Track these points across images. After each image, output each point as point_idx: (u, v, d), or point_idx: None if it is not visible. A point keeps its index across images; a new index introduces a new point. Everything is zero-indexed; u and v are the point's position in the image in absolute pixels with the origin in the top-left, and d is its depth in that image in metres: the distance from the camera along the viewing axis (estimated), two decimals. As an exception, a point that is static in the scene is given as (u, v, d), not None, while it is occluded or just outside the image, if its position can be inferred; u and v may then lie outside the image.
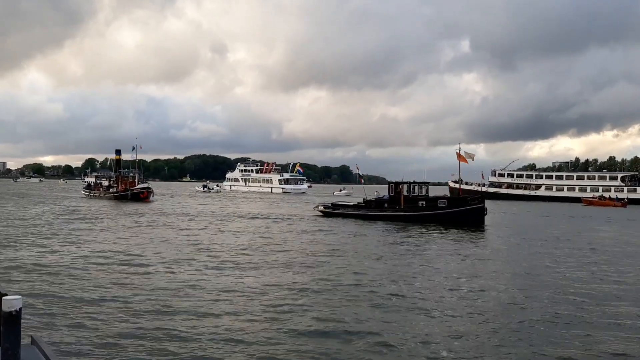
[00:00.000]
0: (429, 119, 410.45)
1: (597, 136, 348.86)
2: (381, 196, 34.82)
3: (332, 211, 36.08)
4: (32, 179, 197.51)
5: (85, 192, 66.15)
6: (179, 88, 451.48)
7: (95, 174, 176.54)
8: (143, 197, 56.26)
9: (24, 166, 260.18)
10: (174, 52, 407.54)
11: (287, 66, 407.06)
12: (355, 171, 37.53)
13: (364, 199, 35.61)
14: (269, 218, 34.88)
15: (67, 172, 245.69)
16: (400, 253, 18.82)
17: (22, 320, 2.94)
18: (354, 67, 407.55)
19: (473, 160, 32.30)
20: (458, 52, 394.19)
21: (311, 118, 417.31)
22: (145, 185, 58.83)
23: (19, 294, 3.12)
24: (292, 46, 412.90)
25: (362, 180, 38.47)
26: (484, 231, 27.56)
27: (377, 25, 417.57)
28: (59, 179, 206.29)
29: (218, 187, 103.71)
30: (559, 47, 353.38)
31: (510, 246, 21.81)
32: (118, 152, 64.65)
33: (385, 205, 33.14)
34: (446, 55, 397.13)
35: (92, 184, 69.64)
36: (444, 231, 26.50)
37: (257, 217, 35.66)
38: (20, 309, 2.88)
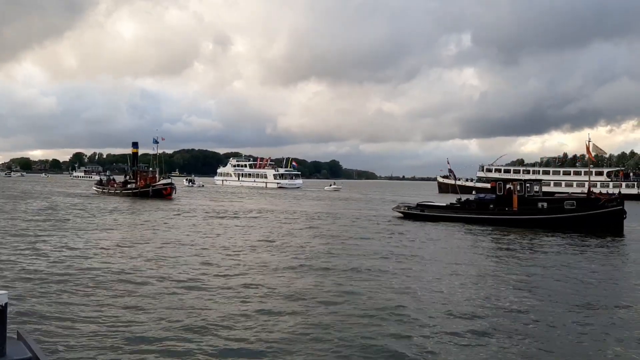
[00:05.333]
0: (427, 114, 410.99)
1: (590, 132, 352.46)
2: (482, 196, 30.49)
3: (419, 213, 31.64)
4: (13, 173, 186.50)
5: (98, 188, 60.27)
6: (177, 82, 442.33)
7: (83, 168, 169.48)
8: (166, 194, 51.08)
9: (11, 160, 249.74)
10: (175, 44, 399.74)
11: (289, 59, 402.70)
12: (447, 167, 32.95)
13: (457, 199, 31.26)
14: (340, 218, 31.29)
15: (54, 166, 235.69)
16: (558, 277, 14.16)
17: (9, 316, 2.79)
18: (356, 60, 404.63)
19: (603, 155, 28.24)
20: (460, 46, 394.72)
21: (308, 113, 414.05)
22: (168, 181, 53.53)
23: (6, 289, 2.94)
24: (294, 39, 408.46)
25: (455, 177, 33.94)
26: (624, 240, 23.51)
27: (382, 19, 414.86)
28: (41, 173, 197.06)
29: (201, 183, 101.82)
30: (561, 42, 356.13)
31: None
32: (135, 144, 58.81)
33: (491, 206, 28.82)
34: (448, 50, 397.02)
35: (105, 179, 63.73)
36: (578, 239, 22.48)
37: (323, 217, 32.02)
38: (6, 304, 2.74)
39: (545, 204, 27.24)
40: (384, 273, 13.88)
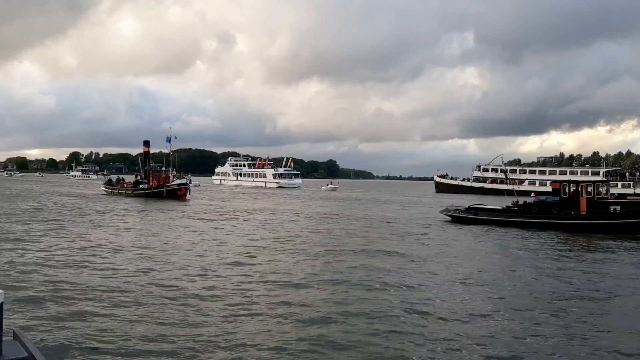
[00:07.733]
0: (427, 114, 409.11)
1: (590, 131, 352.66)
2: (544, 198, 28.40)
3: (472, 217, 29.47)
4: (13, 173, 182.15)
5: (107, 188, 57.61)
6: (179, 80, 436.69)
7: (80, 168, 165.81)
8: (180, 194, 48.72)
9: (7, 159, 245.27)
10: (176, 42, 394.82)
11: (291, 58, 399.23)
12: (500, 166, 30.69)
13: (513, 202, 29.11)
14: (392, 222, 29.13)
15: (51, 166, 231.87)
16: None
17: (5, 315, 2.73)
18: (359, 59, 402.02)
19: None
20: (463, 45, 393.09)
21: (308, 112, 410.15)
22: (183, 181, 51.10)
23: (2, 289, 2.79)
24: (297, 38, 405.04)
25: (507, 178, 31.79)
26: None
27: (385, 18, 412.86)
28: (35, 172, 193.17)
29: (197, 182, 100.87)
30: (565, 41, 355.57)
31: None
32: (146, 143, 56.27)
33: (554, 210, 26.71)
34: (451, 49, 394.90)
35: (115, 179, 61.18)
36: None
37: (362, 220, 30.06)
38: (2, 303, 2.69)
39: (618, 208, 25.20)
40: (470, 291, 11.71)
